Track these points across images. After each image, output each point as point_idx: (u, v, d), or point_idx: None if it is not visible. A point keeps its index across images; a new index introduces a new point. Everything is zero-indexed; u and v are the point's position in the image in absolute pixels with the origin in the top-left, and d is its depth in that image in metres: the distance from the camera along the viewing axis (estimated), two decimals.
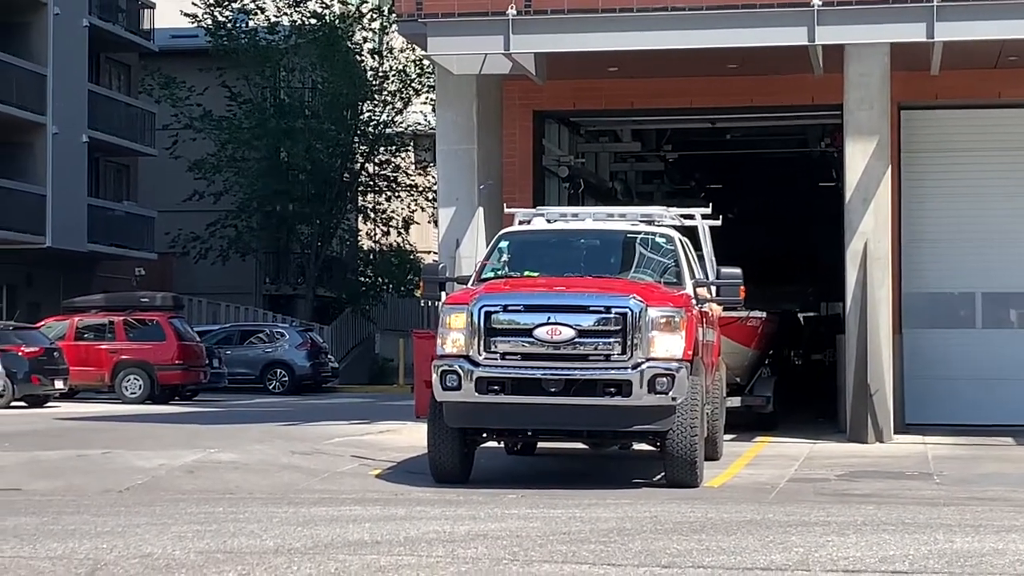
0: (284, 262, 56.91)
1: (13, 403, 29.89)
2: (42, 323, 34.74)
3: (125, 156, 50.52)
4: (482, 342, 14.04)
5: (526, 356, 14.02)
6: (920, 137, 23.18)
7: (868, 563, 7.68)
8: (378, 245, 56.59)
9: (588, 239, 16.28)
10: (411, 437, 18.40)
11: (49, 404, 31.15)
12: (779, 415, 22.33)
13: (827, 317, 33.78)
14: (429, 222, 53.08)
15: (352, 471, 15.96)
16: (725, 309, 17.57)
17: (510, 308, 14.14)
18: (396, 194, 54.92)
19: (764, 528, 9.44)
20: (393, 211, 55.23)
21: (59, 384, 30.85)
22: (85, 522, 9.88)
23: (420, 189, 54.57)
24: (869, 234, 20.31)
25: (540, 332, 13.94)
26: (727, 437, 18.75)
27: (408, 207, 54.97)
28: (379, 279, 56.35)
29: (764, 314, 21.58)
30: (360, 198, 56.24)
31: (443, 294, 15.73)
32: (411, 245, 56.33)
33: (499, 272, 15.58)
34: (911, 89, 22.27)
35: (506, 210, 18.01)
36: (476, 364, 14.03)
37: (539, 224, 16.73)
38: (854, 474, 16.03)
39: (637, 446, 16.03)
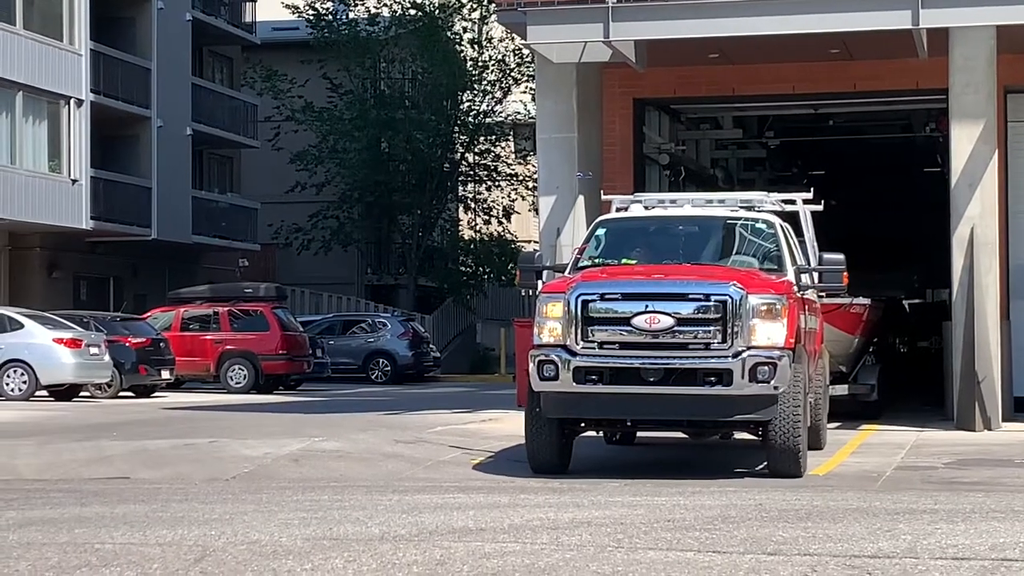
0: (385, 252, 57.21)
1: (121, 393, 30.33)
2: (148, 314, 35.24)
3: (228, 148, 51.06)
4: (579, 331, 13.84)
5: (624, 345, 13.82)
6: None
7: (978, 551, 7.58)
8: (479, 234, 56.73)
9: (687, 226, 15.97)
10: (513, 426, 18.42)
11: (156, 394, 31.59)
12: (884, 403, 22.08)
13: (933, 304, 33.41)
14: (530, 211, 53.13)
15: (455, 460, 16.02)
16: (828, 296, 17.33)
17: (607, 296, 13.94)
18: (496, 183, 55.03)
19: (871, 516, 9.35)
20: (493, 200, 55.35)
21: (165, 374, 31.27)
22: (193, 509, 10.00)
23: (520, 178, 54.64)
24: (976, 219, 20.04)
25: (638, 321, 13.74)
26: (831, 426, 18.58)
27: (508, 196, 55.06)
28: (480, 268, 56.48)
29: (868, 301, 21.33)
30: (460, 188, 56.40)
31: (540, 282, 15.56)
32: (512, 234, 56.40)
33: (596, 260, 15.35)
34: (1018, 72, 21.92)
35: (603, 197, 17.90)
36: (573, 354, 13.83)
37: (637, 211, 16.51)
38: (962, 462, 15.83)
39: (739, 435, 15.86)
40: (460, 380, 43.96)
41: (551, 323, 14.01)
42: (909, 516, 9.37)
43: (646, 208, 16.59)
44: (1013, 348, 22.02)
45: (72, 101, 39.19)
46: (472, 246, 57.41)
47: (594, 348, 13.89)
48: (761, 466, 14.70)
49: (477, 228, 56.68)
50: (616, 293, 14.00)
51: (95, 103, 40.22)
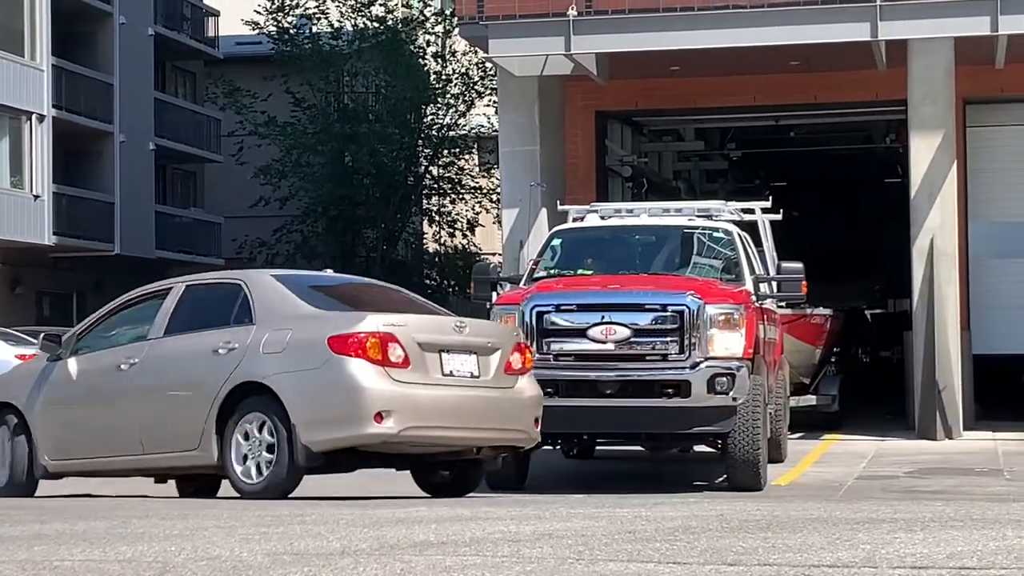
0: (350, 266, 57.04)
1: None
2: None
3: (191, 163, 50.97)
4: (534, 343, 13.70)
5: (580, 357, 13.74)
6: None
7: (936, 560, 7.62)
8: (443, 247, 56.71)
9: (643, 235, 15.93)
10: None
11: None
12: (846, 414, 22.17)
13: (895, 314, 33.55)
14: (494, 223, 53.16)
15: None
16: (788, 306, 17.35)
17: (563, 308, 13.84)
18: (460, 196, 55.03)
19: (831, 526, 9.39)
20: (458, 213, 55.36)
21: None
22: (154, 526, 9.97)
23: (484, 191, 54.66)
24: (935, 230, 20.17)
25: (594, 332, 13.67)
26: (793, 436, 18.65)
27: (472, 209, 55.07)
28: (445, 281, 56.46)
29: (829, 311, 21.43)
30: (425, 201, 56.37)
31: (495, 294, 15.41)
32: (476, 247, 56.41)
33: (552, 271, 15.27)
34: (976, 83, 22.09)
35: (559, 208, 17.87)
36: None
37: (593, 221, 16.43)
38: (923, 471, 15.91)
39: (698, 448, 15.82)
40: None
41: None
42: (869, 525, 9.41)
43: (602, 218, 16.49)
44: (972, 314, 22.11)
45: (34, 116, 39.06)
46: (437, 259, 57.38)
47: (549, 360, 13.75)
48: (721, 479, 14.68)
49: (442, 241, 56.67)
50: (571, 304, 13.89)
51: (57, 118, 40.08)
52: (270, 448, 12.08)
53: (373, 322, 11.78)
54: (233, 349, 12.29)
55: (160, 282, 14.12)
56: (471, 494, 13.79)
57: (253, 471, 12.20)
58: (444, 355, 12.08)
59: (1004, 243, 22.66)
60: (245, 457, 12.21)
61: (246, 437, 12.14)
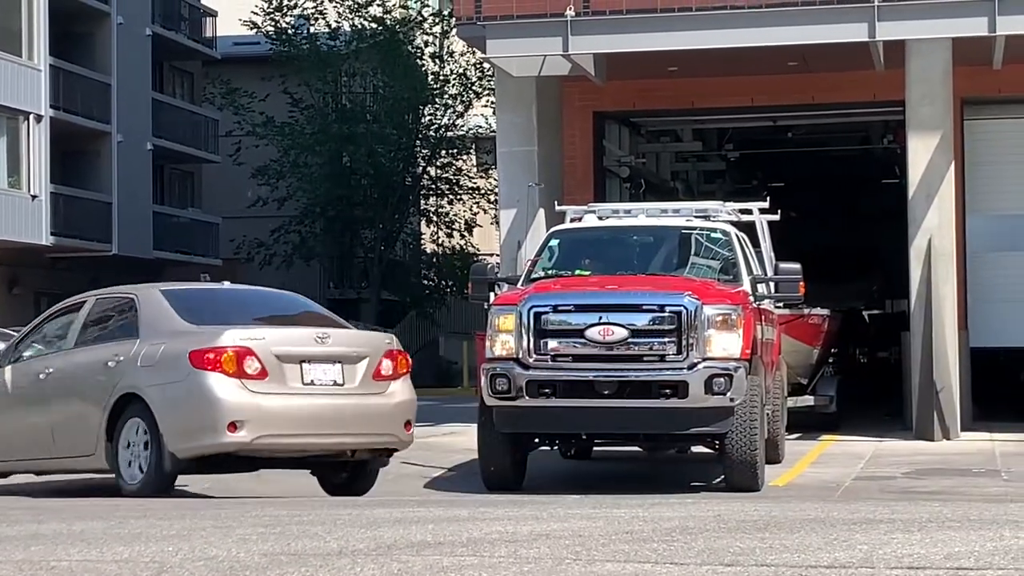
0: (348, 266, 57.14)
1: None
2: None
3: (189, 163, 50.96)
4: (532, 344, 13.66)
5: (578, 358, 13.66)
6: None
7: (933, 560, 7.62)
8: (441, 248, 56.71)
9: (641, 236, 15.88)
10: (475, 439, 18.42)
11: None
12: (844, 414, 22.17)
13: (893, 314, 33.55)
14: (492, 224, 53.15)
15: (416, 473, 16.01)
16: (786, 306, 17.32)
17: (560, 308, 13.76)
18: (458, 197, 55.03)
19: (828, 526, 9.39)
20: (455, 214, 55.35)
21: None
22: (151, 526, 9.97)
23: (482, 192, 54.66)
24: (933, 230, 20.17)
25: (592, 332, 13.59)
26: (791, 437, 18.64)
27: (470, 210, 55.07)
28: (442, 282, 56.47)
29: (827, 312, 21.42)
30: (423, 201, 56.38)
31: (492, 295, 15.33)
32: (474, 247, 56.41)
33: (549, 271, 15.21)
34: (974, 83, 22.10)
35: (557, 208, 17.86)
36: (526, 367, 13.67)
37: (590, 221, 16.38)
38: (920, 472, 15.92)
39: (696, 449, 15.79)
40: (423, 394, 43.53)
41: (503, 336, 13.83)
42: (866, 526, 9.41)
43: (600, 218, 16.45)
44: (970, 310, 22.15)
45: (31, 117, 39.04)
46: (434, 260, 57.39)
47: (547, 361, 13.69)
48: (718, 480, 14.67)
49: (439, 242, 56.66)
50: (569, 305, 13.82)
51: (55, 118, 40.07)
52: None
53: (230, 337, 12.61)
54: (120, 362, 13.18)
55: (78, 296, 14.93)
56: (470, 494, 13.80)
57: (137, 473, 13.02)
58: (305, 365, 12.80)
59: (1001, 237, 22.67)
60: (129, 462, 13.08)
61: (128, 445, 13.02)
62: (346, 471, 13.76)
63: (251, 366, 12.55)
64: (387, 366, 13.30)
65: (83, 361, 13.73)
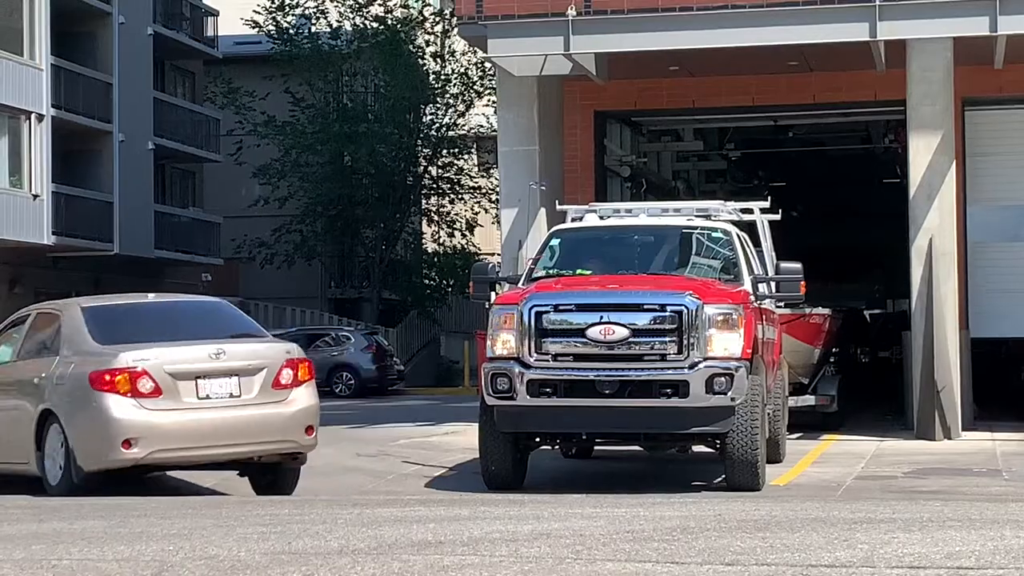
0: (349, 266, 57.16)
1: None
2: None
3: (190, 162, 50.94)
4: (533, 343, 13.65)
5: (579, 357, 13.64)
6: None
7: (934, 559, 7.62)
8: (442, 247, 56.73)
9: (642, 235, 15.83)
10: (476, 439, 18.43)
11: None
12: (845, 413, 22.17)
13: (894, 314, 33.59)
14: (493, 223, 53.17)
15: (417, 472, 16.01)
16: (787, 306, 17.30)
17: (561, 308, 13.73)
18: (459, 196, 55.05)
19: (829, 525, 9.39)
20: (456, 213, 55.36)
21: None
22: (152, 524, 9.97)
23: (483, 191, 54.68)
24: (934, 230, 20.17)
25: (593, 332, 13.55)
26: (792, 436, 18.64)
27: (471, 209, 55.09)
28: (443, 281, 56.48)
29: (828, 311, 21.42)
30: (424, 201, 56.40)
31: (493, 294, 15.33)
32: (475, 247, 56.43)
33: (550, 271, 15.18)
34: (975, 83, 22.10)
35: (558, 207, 17.83)
36: (527, 366, 13.66)
37: (591, 221, 16.36)
38: (921, 471, 15.92)
39: (697, 448, 15.78)
40: (424, 393, 43.90)
41: (504, 335, 13.81)
42: (867, 525, 9.41)
43: (601, 218, 16.43)
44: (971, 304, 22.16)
45: (33, 116, 39.04)
46: (436, 259, 57.41)
47: (548, 360, 13.67)
48: (719, 479, 14.66)
49: (440, 241, 56.69)
50: (570, 304, 13.80)
51: (56, 118, 40.06)
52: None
53: (124, 358, 13.34)
54: (42, 379, 13.97)
55: (24, 309, 15.71)
56: (471, 493, 13.81)
57: (57, 480, 13.74)
58: (200, 381, 13.47)
59: (1002, 228, 22.65)
60: (51, 470, 13.83)
61: (50, 456, 13.79)
62: (271, 473, 14.33)
63: (144, 385, 13.26)
64: (287, 375, 13.82)
65: (19, 376, 14.51)
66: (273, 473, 14.33)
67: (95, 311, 14.41)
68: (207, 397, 13.47)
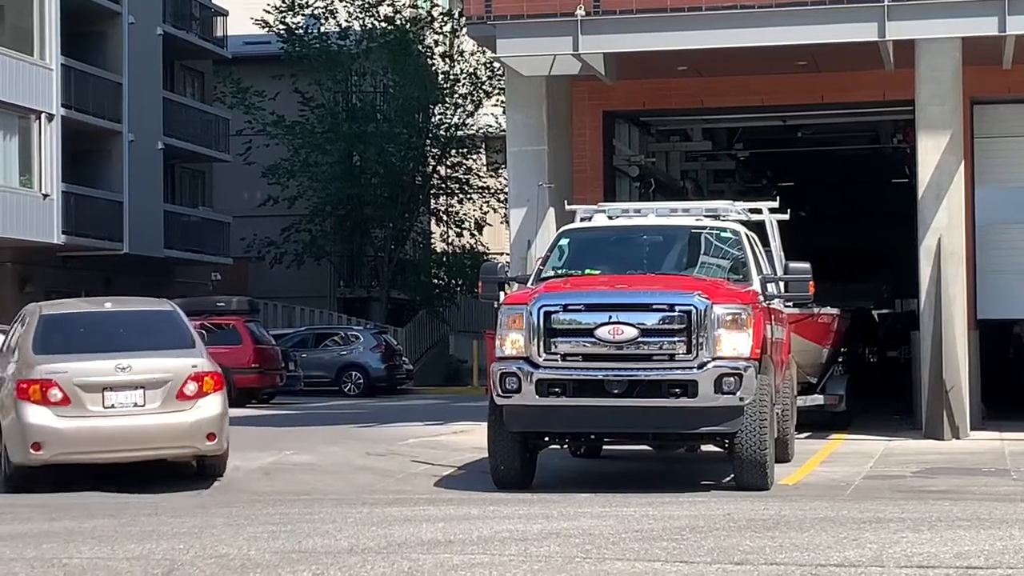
0: (358, 265, 57.19)
1: None
2: None
3: (200, 162, 50.98)
4: (542, 343, 13.64)
5: (588, 357, 13.63)
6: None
7: (943, 559, 7.64)
8: (451, 247, 56.75)
9: (651, 235, 15.77)
10: (485, 438, 18.44)
11: None
12: (854, 413, 22.16)
13: (902, 314, 33.54)
14: (501, 223, 53.16)
15: (426, 472, 16.03)
16: (796, 306, 17.26)
17: (570, 307, 13.72)
18: (468, 196, 55.06)
19: (838, 525, 9.41)
20: (465, 213, 55.38)
21: None
22: (162, 523, 10.01)
23: (492, 191, 54.68)
24: (942, 230, 20.16)
25: (602, 332, 13.55)
26: (801, 436, 18.64)
27: (480, 209, 55.10)
28: (452, 281, 56.48)
29: (836, 311, 21.41)
30: (432, 200, 56.42)
31: (502, 294, 15.28)
32: (484, 246, 56.44)
33: (559, 271, 15.17)
34: (984, 84, 22.08)
35: (567, 207, 17.84)
36: (536, 366, 13.65)
37: (600, 221, 16.33)
38: (930, 471, 15.92)
39: (705, 448, 15.77)
40: (433, 392, 43.92)
41: (513, 335, 13.81)
42: (876, 525, 9.43)
43: (610, 218, 16.41)
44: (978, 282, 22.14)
45: (43, 116, 39.09)
46: (444, 259, 57.39)
47: (557, 360, 13.68)
48: (728, 479, 14.68)
49: (449, 241, 56.69)
50: (579, 304, 13.79)
51: (66, 117, 40.10)
52: None
53: (40, 371, 14.87)
54: (2, 379, 15.47)
55: (26, 306, 16.80)
56: (480, 492, 13.84)
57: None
58: (107, 392, 14.86)
59: (1011, 209, 22.64)
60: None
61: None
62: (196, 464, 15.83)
63: (54, 395, 14.74)
64: (191, 387, 15.12)
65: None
66: (200, 465, 15.71)
67: (50, 319, 15.80)
68: (112, 407, 14.85)
